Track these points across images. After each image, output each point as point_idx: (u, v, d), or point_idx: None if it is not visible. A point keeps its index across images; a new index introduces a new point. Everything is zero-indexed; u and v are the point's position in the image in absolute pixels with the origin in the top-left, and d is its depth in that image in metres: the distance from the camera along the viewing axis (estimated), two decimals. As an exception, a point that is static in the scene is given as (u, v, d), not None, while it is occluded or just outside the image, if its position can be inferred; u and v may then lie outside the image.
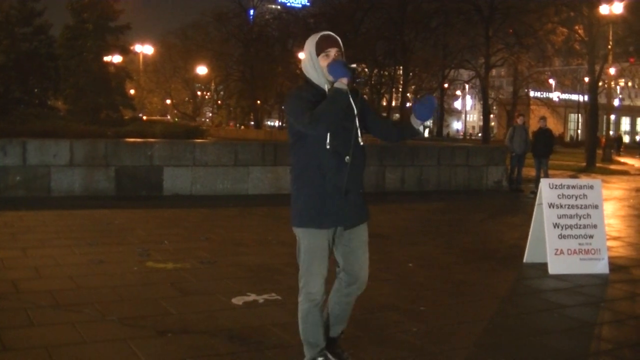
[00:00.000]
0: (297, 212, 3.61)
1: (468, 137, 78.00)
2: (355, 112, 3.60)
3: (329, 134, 3.49)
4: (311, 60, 3.58)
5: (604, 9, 28.47)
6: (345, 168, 3.54)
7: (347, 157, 3.54)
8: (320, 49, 3.56)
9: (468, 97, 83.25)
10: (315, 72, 3.58)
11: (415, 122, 3.69)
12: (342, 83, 3.45)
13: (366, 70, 58.54)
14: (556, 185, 6.97)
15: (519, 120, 16.27)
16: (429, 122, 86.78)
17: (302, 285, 3.64)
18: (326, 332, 3.79)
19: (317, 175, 3.54)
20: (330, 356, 3.74)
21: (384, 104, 64.26)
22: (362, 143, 3.63)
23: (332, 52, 3.55)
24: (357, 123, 3.60)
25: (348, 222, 3.62)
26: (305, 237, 3.60)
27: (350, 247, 3.68)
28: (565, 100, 72.28)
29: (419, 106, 3.64)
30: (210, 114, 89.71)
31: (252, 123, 68.34)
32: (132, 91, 64.72)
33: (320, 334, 3.70)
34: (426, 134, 73.82)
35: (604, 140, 39.30)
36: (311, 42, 3.59)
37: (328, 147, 3.50)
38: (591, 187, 7.11)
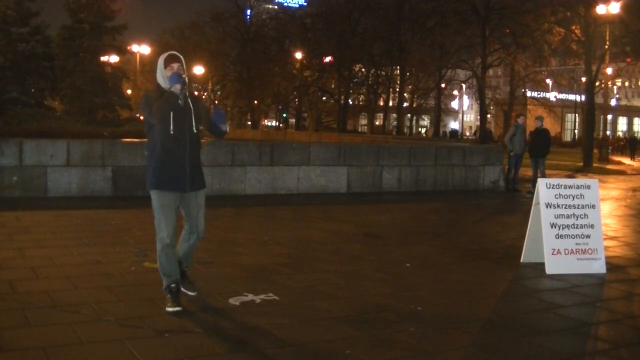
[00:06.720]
0: (148, 179, 4.88)
1: (465, 138, 77.84)
2: (192, 110, 4.84)
3: (172, 124, 4.72)
4: (160, 70, 4.84)
5: (600, 9, 28.51)
6: (182, 149, 4.80)
7: (184, 141, 4.79)
8: (167, 63, 4.82)
9: (465, 97, 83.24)
10: (162, 79, 4.84)
11: (218, 124, 5.05)
12: (176, 88, 4.73)
13: (363, 70, 58.61)
14: (553, 185, 6.97)
15: (520, 120, 16.20)
16: (427, 122, 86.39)
17: (156, 233, 4.88)
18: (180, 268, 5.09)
19: (162, 154, 4.79)
20: (180, 284, 5.00)
21: (381, 103, 64.27)
22: (195, 131, 4.87)
23: (175, 66, 4.80)
24: (193, 117, 4.83)
25: (186, 188, 4.87)
26: (155, 198, 4.86)
27: (189, 206, 4.98)
28: (562, 100, 72.35)
29: (214, 115, 5.03)
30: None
31: (250, 123, 68.27)
32: (128, 91, 64.62)
33: (174, 268, 4.93)
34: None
35: (610, 140, 38.15)
36: (162, 58, 4.88)
37: (172, 132, 4.72)
38: (588, 187, 7.11)
